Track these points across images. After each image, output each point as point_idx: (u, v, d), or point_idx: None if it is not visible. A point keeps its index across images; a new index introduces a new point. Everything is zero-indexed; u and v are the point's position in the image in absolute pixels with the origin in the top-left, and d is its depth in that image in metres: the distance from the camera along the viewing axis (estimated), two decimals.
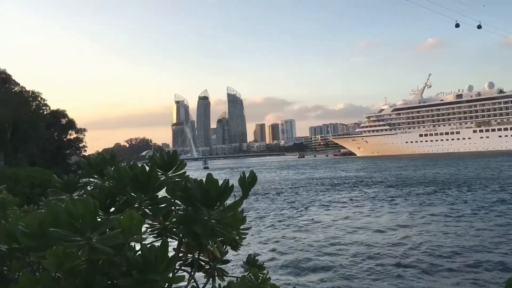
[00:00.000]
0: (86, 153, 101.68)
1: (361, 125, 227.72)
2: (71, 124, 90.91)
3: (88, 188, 2.12)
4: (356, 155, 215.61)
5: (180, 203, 1.73)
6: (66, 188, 2.12)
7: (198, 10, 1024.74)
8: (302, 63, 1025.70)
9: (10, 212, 2.26)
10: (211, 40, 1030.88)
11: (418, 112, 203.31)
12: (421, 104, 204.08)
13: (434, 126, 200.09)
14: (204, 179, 1.67)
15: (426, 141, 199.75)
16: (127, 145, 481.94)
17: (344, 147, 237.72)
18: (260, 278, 1.55)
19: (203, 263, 1.93)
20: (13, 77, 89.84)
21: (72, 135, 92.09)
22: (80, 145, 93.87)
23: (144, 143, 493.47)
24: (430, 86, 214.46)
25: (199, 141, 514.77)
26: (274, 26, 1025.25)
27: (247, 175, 1.84)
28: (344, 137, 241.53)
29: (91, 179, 2.11)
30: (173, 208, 1.80)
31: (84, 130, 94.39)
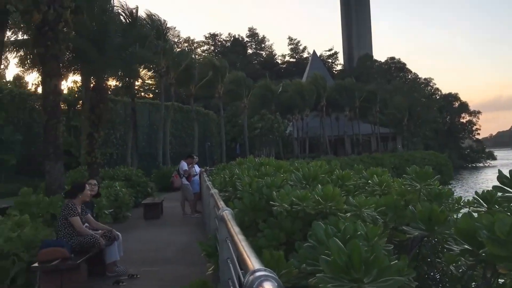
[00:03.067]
0: (479, 136, 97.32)
1: None
2: (463, 107, 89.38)
3: None
4: None
5: None
6: None
7: None
8: None
9: (450, 206, 2.21)
10: None
11: None
12: None
13: None
14: None
15: None
16: None
17: None
18: None
19: None
20: (407, 66, 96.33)
21: (465, 118, 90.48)
22: (473, 128, 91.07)
23: None
24: None
25: None
26: None
27: None
28: None
29: None
30: None
31: (478, 112, 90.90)
